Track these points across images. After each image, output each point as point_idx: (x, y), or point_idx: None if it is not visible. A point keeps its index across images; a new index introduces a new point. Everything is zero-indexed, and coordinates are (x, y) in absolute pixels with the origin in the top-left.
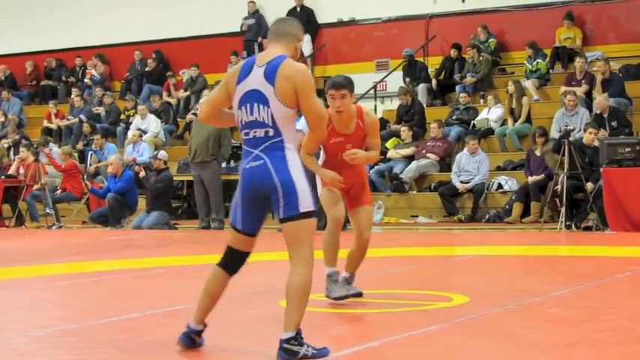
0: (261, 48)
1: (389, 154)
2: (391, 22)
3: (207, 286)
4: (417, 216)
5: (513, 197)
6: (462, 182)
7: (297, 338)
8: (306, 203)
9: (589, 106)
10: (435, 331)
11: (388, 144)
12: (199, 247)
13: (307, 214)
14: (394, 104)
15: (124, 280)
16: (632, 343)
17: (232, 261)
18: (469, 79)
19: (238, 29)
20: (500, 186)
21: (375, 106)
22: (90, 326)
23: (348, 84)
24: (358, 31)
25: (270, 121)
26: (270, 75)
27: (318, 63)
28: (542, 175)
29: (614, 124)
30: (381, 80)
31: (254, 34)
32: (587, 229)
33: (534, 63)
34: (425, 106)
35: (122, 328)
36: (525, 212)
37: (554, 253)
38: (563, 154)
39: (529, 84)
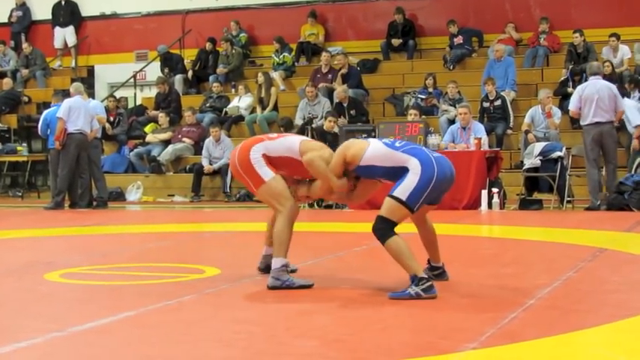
0: (27, 39)
1: (147, 138)
2: (150, 16)
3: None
4: (173, 195)
5: None
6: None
7: None
8: None
9: (330, 96)
10: (188, 300)
11: (147, 129)
12: None
13: None
14: (153, 92)
15: None
16: (366, 309)
17: None
18: (221, 69)
19: (6, 20)
20: None
21: (135, 94)
22: None
23: None
24: (119, 24)
25: None
26: None
27: (82, 53)
28: None
29: (352, 112)
30: (141, 70)
31: (21, 25)
32: (328, 207)
33: (281, 56)
34: (181, 94)
35: None
36: None
37: (298, 229)
38: None
39: (276, 75)
